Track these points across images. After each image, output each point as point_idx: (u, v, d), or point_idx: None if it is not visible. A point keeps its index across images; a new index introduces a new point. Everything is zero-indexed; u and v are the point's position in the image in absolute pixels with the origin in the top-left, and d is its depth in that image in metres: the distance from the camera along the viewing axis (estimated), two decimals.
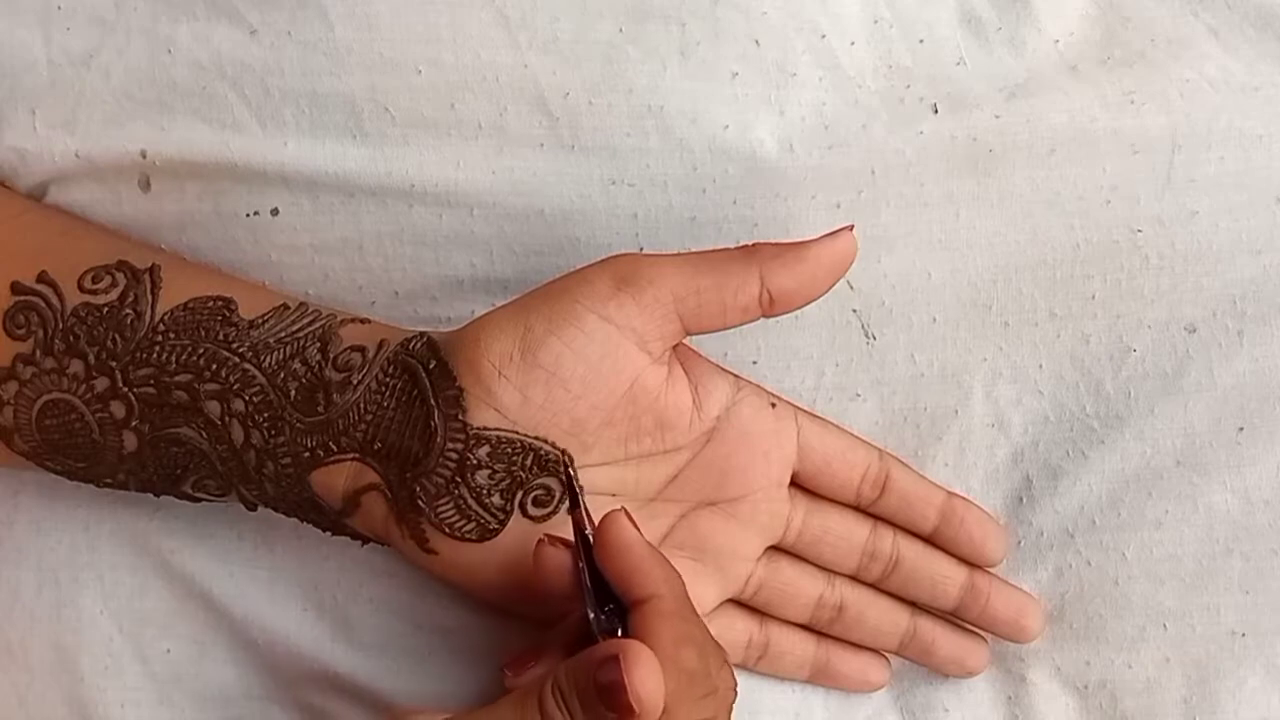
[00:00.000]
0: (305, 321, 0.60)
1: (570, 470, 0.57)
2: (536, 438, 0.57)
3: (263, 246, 0.63)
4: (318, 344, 0.59)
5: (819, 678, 0.65)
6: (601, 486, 0.59)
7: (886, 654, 0.66)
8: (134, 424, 0.59)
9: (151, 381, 0.59)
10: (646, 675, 0.51)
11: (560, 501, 0.58)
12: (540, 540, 0.57)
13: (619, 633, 0.54)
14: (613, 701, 0.51)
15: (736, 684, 0.57)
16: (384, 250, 0.63)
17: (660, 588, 0.54)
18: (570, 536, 0.57)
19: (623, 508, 0.56)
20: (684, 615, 0.54)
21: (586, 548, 0.56)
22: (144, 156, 0.63)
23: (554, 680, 0.52)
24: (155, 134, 0.63)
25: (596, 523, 0.56)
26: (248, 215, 0.63)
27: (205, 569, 0.66)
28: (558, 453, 0.57)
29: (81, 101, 0.63)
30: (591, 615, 0.55)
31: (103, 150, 0.63)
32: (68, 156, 0.63)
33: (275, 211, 0.63)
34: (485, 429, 0.57)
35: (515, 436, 0.57)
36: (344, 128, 0.62)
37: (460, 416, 0.56)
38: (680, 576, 0.56)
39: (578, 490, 0.57)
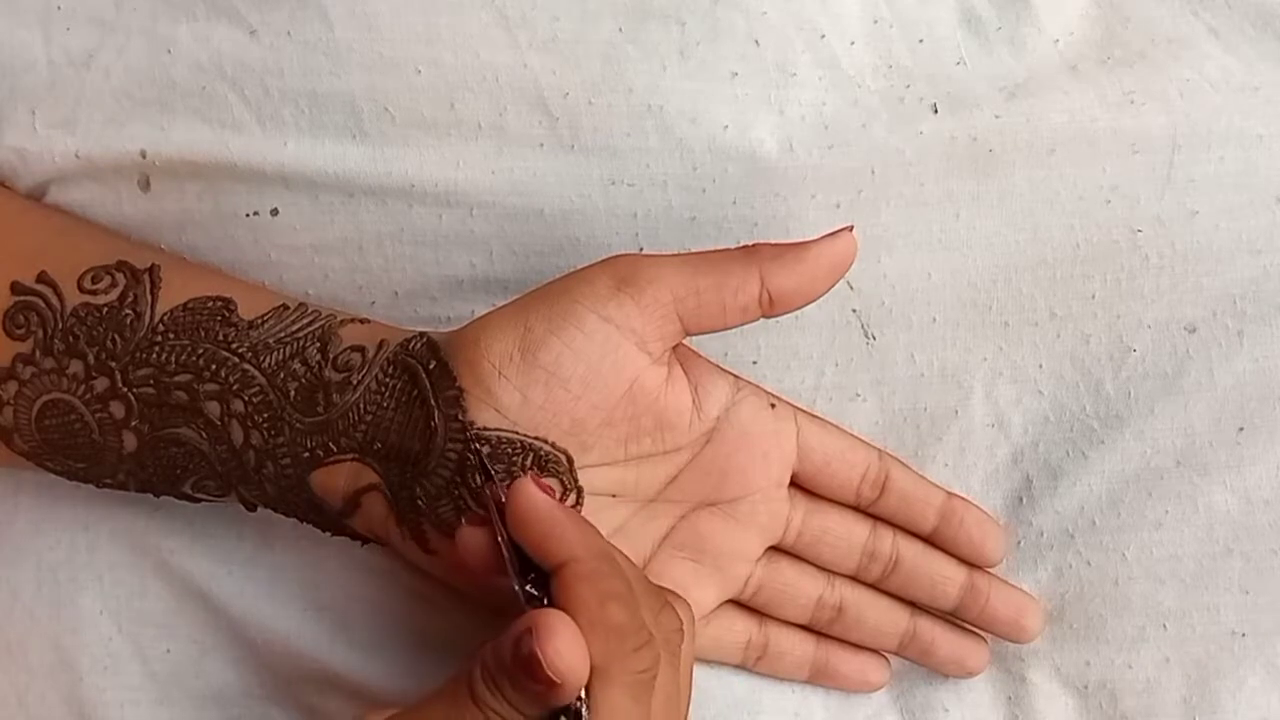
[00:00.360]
0: (305, 322, 0.60)
1: (475, 443, 0.56)
2: (536, 438, 0.57)
3: (263, 246, 0.63)
4: (317, 344, 0.59)
5: (819, 678, 0.65)
6: (601, 487, 0.59)
7: (886, 654, 0.66)
8: (133, 424, 0.60)
9: (151, 382, 0.59)
10: (561, 644, 0.50)
11: (562, 500, 0.58)
12: (459, 525, 0.56)
13: (546, 602, 0.53)
14: (533, 675, 0.50)
15: (683, 623, 0.56)
16: (384, 250, 0.63)
17: (575, 549, 0.53)
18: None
19: (529, 473, 0.56)
20: (604, 572, 0.53)
21: (504, 519, 0.55)
22: (144, 156, 0.63)
23: (482, 660, 0.52)
24: (155, 134, 0.63)
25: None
26: (247, 215, 0.63)
27: (205, 569, 0.66)
28: (558, 453, 0.57)
29: (81, 101, 0.63)
30: (516, 587, 0.54)
31: (103, 150, 0.63)
32: (68, 156, 0.63)
33: (275, 211, 0.63)
34: (485, 429, 0.57)
35: (515, 437, 0.56)
36: (344, 128, 0.62)
37: (460, 417, 0.56)
38: (597, 532, 0.55)
39: (488, 465, 0.56)
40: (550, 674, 0.50)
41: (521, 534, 0.54)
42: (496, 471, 0.56)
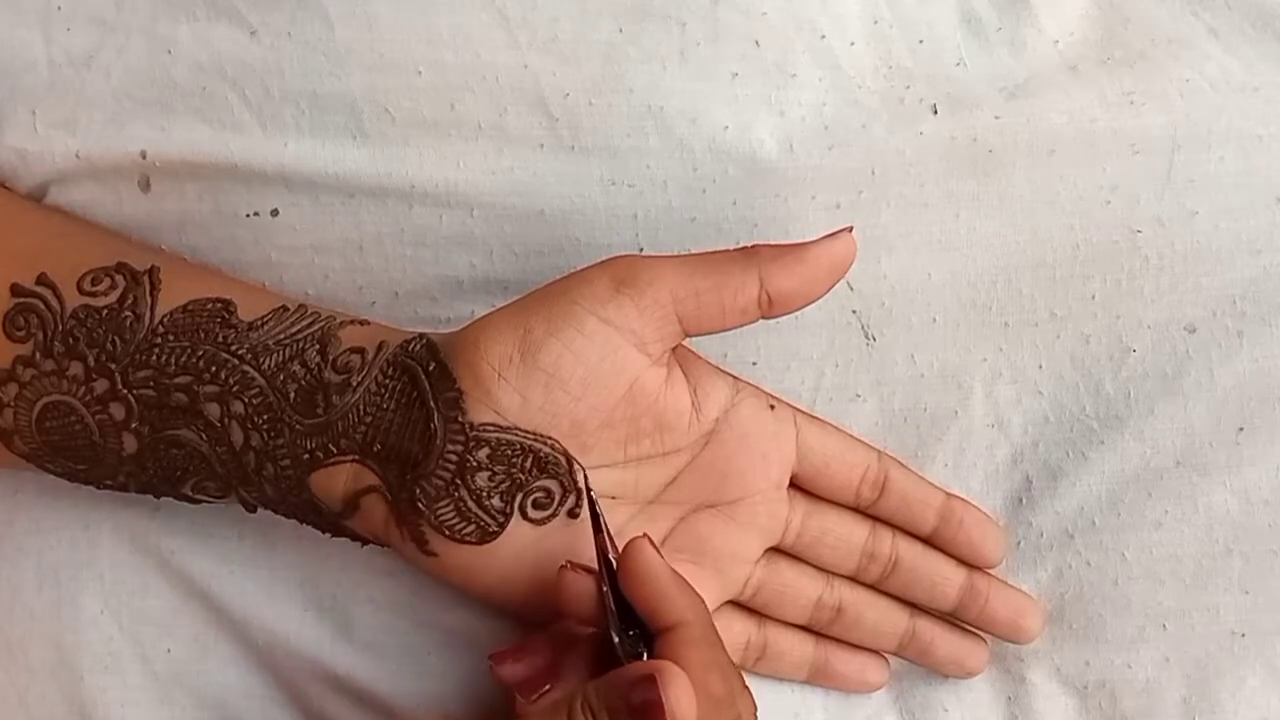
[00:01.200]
0: (304, 323, 0.60)
1: (592, 493, 0.57)
2: (536, 438, 0.57)
3: (263, 247, 0.63)
4: (317, 346, 0.59)
5: (818, 678, 0.65)
6: (601, 488, 0.58)
7: (885, 654, 0.66)
8: (133, 426, 0.60)
9: (151, 383, 0.59)
10: (682, 696, 0.51)
11: (560, 504, 0.58)
12: (563, 567, 0.57)
13: (644, 656, 0.55)
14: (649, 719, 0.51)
15: (756, 707, 0.57)
16: (384, 251, 0.63)
17: (687, 614, 0.55)
18: (589, 554, 0.57)
19: (645, 535, 0.57)
20: (710, 642, 0.55)
21: (610, 571, 0.56)
22: (144, 157, 0.63)
23: (583, 697, 0.53)
24: (155, 134, 0.63)
25: (619, 546, 0.57)
26: (248, 216, 0.63)
27: (206, 568, 0.66)
28: (558, 453, 0.57)
29: (82, 102, 0.63)
30: (617, 639, 0.56)
31: (103, 150, 0.63)
32: (68, 157, 0.63)
33: (275, 212, 0.63)
34: (485, 430, 0.57)
35: (515, 438, 0.57)
36: (344, 128, 0.62)
37: (460, 418, 0.57)
38: (704, 601, 0.57)
39: (600, 514, 0.57)
40: None
41: (634, 591, 0.56)
42: (496, 473, 0.56)
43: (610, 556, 0.57)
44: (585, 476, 0.57)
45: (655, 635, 0.56)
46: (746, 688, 0.57)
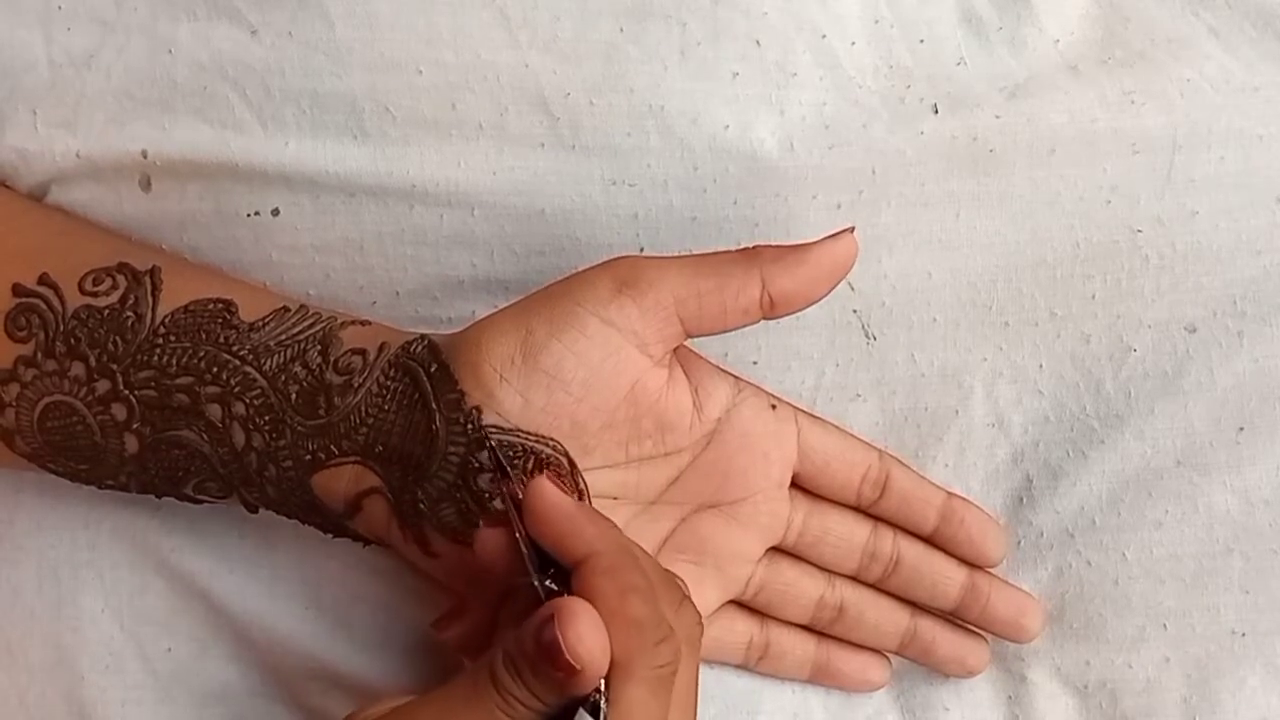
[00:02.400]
0: (306, 324, 0.60)
1: (491, 442, 0.56)
2: (539, 439, 0.57)
3: (264, 246, 0.63)
4: (318, 347, 0.59)
5: (819, 677, 0.65)
6: (603, 489, 0.59)
7: (887, 654, 0.66)
8: (135, 426, 0.60)
9: (152, 384, 0.59)
10: (583, 630, 0.50)
11: None
12: (477, 525, 0.56)
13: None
14: (554, 661, 0.50)
15: (701, 619, 0.56)
16: (385, 250, 0.63)
17: (595, 544, 0.53)
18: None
19: (545, 473, 0.56)
20: (624, 566, 0.53)
21: (522, 517, 0.55)
22: (145, 156, 0.63)
23: (504, 649, 0.52)
24: (156, 134, 0.63)
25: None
26: (249, 215, 0.63)
27: (206, 568, 0.66)
28: (560, 454, 0.57)
29: (82, 101, 0.63)
30: (536, 583, 0.54)
31: (104, 150, 0.63)
32: (69, 157, 0.63)
33: (276, 211, 0.63)
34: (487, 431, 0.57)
35: (517, 440, 0.57)
36: (345, 128, 0.62)
37: (463, 420, 0.56)
38: (616, 528, 0.55)
39: (504, 464, 0.56)
40: (571, 660, 0.50)
41: (540, 531, 0.54)
42: (498, 475, 0.56)
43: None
44: (479, 416, 0.56)
45: (571, 573, 0.54)
46: (687, 600, 0.56)
